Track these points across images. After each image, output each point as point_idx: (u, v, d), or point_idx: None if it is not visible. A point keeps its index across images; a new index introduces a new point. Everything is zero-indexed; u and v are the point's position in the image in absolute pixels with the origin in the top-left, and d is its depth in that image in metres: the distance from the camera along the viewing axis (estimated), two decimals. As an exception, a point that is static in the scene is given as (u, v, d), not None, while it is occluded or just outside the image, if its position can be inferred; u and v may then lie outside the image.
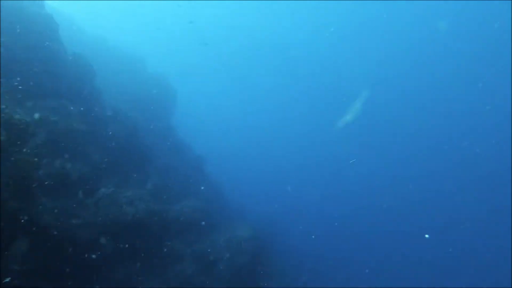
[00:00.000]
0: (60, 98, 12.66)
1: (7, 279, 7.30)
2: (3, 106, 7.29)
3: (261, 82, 65.04)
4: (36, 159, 8.51)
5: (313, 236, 33.54)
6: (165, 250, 12.58)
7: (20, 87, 10.49)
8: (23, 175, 7.81)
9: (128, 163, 15.73)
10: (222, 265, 14.42)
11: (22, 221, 7.90)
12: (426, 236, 53.34)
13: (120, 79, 22.74)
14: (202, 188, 21.77)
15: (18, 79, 10.50)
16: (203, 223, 15.29)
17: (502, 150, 51.94)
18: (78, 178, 12.04)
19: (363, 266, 41.34)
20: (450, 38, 42.88)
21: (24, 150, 8.06)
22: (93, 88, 15.60)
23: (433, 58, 47.60)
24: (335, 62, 59.03)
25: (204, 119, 59.39)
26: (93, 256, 10.03)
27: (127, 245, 11.08)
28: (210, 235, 15.68)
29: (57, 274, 9.15)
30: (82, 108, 13.45)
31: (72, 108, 13.34)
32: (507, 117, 48.79)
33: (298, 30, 54.38)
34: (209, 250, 14.20)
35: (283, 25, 53.82)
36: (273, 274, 18.29)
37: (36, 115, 10.86)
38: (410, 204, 57.76)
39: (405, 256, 50.40)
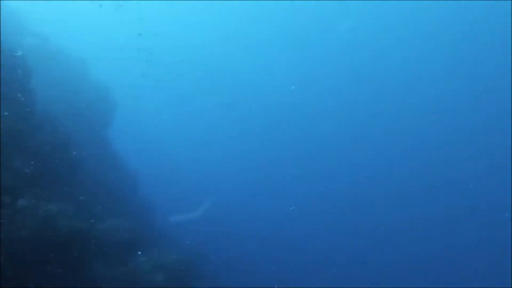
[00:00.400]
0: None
1: None
2: None
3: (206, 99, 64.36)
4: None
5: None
6: (85, 272, 11.91)
7: None
8: None
9: (54, 175, 14.80)
10: (144, 290, 13.92)
11: None
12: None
13: (58, 84, 21.58)
14: (132, 206, 21.03)
15: None
16: (128, 244, 14.75)
17: (502, 150, 51.59)
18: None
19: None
20: (450, 38, 43.19)
21: None
22: (26, 91, 14.65)
23: (433, 58, 47.91)
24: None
25: (145, 132, 57.32)
26: None
27: (41, 265, 10.34)
28: (135, 258, 15.11)
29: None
30: (5, 113, 12.54)
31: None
32: (507, 117, 48.44)
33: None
34: (132, 274, 13.67)
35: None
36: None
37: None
38: (409, 204, 57.40)
39: (405, 257, 50.97)
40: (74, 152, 17.35)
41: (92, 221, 13.97)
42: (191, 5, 58.16)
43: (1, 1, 9.45)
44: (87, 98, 23.37)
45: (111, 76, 34.90)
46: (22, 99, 14.27)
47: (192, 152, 59.47)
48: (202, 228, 35.43)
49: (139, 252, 15.62)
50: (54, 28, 33.19)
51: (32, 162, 13.46)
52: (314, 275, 44.51)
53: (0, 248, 9.89)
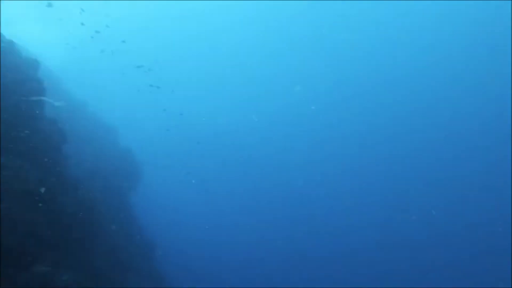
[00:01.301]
0: (22, 159, 12.01)
1: None
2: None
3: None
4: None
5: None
6: None
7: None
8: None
9: (73, 238, 14.47)
10: None
11: None
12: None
13: (89, 148, 22.23)
14: (145, 276, 20.10)
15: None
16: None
17: (502, 150, 50.94)
18: (16, 246, 10.82)
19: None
20: (450, 38, 42.30)
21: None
22: (59, 154, 15.02)
23: (433, 58, 46.91)
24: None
25: (166, 199, 57.39)
26: None
27: None
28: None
29: None
30: (40, 177, 12.71)
31: (30, 170, 12.62)
32: (507, 117, 47.89)
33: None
34: None
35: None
36: None
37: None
38: (410, 204, 57.51)
39: (405, 257, 51.09)
40: (97, 217, 17.19)
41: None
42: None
43: (1, 1, 10.07)
44: (113, 163, 23.78)
45: (138, 142, 36.16)
46: (50, 161, 14.55)
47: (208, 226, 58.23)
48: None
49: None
50: (88, 93, 35.50)
51: (53, 225, 13.27)
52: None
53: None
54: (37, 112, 13.61)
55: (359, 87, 58.43)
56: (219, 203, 63.55)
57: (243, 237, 57.61)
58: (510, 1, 34.01)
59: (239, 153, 66.26)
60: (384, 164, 63.58)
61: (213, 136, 60.30)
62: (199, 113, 61.03)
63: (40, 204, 12.54)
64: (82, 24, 16.83)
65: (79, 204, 15.14)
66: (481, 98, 49.89)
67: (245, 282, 43.18)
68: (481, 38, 41.02)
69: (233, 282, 42.86)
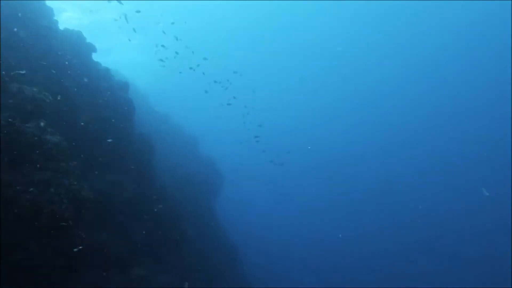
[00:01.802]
0: (119, 173, 13.38)
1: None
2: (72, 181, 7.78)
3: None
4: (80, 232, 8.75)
5: None
6: None
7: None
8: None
9: (165, 243, 15.66)
10: None
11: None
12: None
13: (173, 158, 23.85)
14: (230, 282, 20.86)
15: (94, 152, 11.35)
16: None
17: (502, 150, 51.72)
18: (116, 252, 12.08)
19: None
20: (450, 38, 41.73)
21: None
22: (148, 166, 16.39)
23: (432, 59, 46.50)
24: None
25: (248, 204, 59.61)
26: None
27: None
28: None
29: None
30: (133, 186, 14.01)
31: (126, 183, 14.00)
32: (507, 117, 48.19)
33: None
34: None
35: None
36: None
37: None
38: (410, 204, 58.24)
39: (406, 257, 52.53)
40: (184, 222, 18.40)
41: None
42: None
43: (1, 1, 11.10)
44: (198, 172, 25.15)
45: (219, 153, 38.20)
46: (145, 173, 15.98)
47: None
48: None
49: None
50: (172, 107, 38.35)
51: (149, 231, 14.54)
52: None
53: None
54: (129, 129, 15.03)
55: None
56: (295, 208, 65.16)
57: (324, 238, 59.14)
58: (510, 1, 33.18)
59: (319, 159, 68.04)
60: (384, 165, 65.63)
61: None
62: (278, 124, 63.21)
63: (135, 214, 13.84)
64: (163, 46, 18.31)
65: (168, 213, 16.32)
66: (481, 98, 49.43)
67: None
68: (481, 38, 40.40)
69: (314, 283, 44.07)
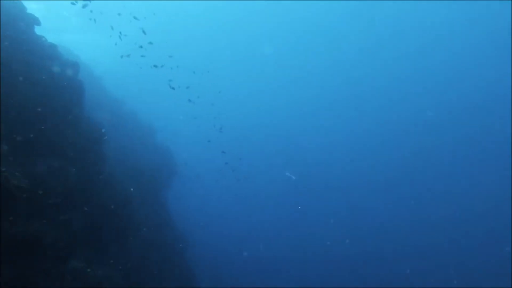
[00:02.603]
0: (63, 159, 12.55)
1: None
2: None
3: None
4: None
5: None
6: None
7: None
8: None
9: (108, 234, 14.95)
10: None
11: None
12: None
13: (126, 145, 22.91)
14: (178, 273, 20.46)
15: (31, 135, 10.51)
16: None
17: (503, 150, 51.18)
18: (51, 242, 11.32)
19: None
20: (450, 38, 41.86)
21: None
22: (98, 153, 15.56)
23: (433, 58, 46.60)
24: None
25: (199, 198, 58.28)
26: None
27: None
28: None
29: None
30: (74, 169, 13.20)
31: (70, 169, 13.16)
32: (507, 117, 47.80)
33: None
34: None
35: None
36: None
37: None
38: (410, 204, 58.30)
39: (406, 257, 51.89)
40: (132, 213, 17.69)
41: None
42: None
43: (1, 1, 10.43)
44: (151, 161, 24.36)
45: (174, 143, 37.00)
46: (89, 160, 15.11)
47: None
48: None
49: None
50: (128, 93, 36.65)
51: (90, 220, 13.78)
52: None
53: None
54: (77, 111, 14.15)
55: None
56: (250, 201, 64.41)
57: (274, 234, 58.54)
58: (510, 1, 33.28)
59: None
60: (384, 165, 64.84)
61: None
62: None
63: (77, 202, 13.06)
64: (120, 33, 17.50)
65: (115, 202, 15.61)
66: (481, 98, 49.43)
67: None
68: (481, 38, 40.42)
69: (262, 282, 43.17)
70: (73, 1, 14.50)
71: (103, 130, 16.44)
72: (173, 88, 19.06)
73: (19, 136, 10.13)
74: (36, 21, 13.81)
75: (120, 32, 18.01)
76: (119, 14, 20.45)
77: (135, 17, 19.42)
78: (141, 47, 15.40)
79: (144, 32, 18.75)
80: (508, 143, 50.46)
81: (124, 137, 23.87)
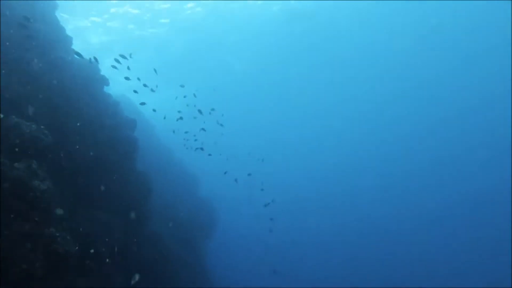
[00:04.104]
0: (110, 214, 12.69)
1: None
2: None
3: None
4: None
5: None
6: None
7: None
8: None
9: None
10: None
11: None
12: None
13: (173, 201, 23.12)
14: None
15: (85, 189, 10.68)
16: None
17: (503, 150, 51.69)
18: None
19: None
20: (450, 38, 41.11)
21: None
22: (145, 209, 15.66)
23: (432, 59, 45.55)
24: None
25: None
26: None
27: None
28: None
29: None
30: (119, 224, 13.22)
31: (116, 222, 13.25)
32: (507, 117, 48.00)
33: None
34: None
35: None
36: None
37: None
38: (410, 204, 59.69)
39: (406, 257, 53.41)
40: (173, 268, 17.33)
41: None
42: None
43: (1, 1, 10.74)
44: (194, 215, 24.30)
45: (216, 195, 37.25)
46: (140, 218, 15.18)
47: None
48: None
49: None
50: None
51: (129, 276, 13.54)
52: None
53: None
54: (128, 167, 14.48)
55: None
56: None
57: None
58: (510, 1, 32.86)
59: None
60: (384, 165, 65.27)
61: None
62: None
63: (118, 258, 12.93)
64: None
65: (157, 259, 15.41)
66: (481, 99, 48.98)
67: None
68: (481, 38, 39.95)
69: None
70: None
71: (150, 186, 16.63)
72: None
73: (72, 196, 10.35)
74: (105, 82, 14.80)
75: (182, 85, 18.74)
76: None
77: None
78: (199, 111, 15.83)
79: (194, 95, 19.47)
80: (508, 143, 50.36)
81: (169, 186, 24.18)
